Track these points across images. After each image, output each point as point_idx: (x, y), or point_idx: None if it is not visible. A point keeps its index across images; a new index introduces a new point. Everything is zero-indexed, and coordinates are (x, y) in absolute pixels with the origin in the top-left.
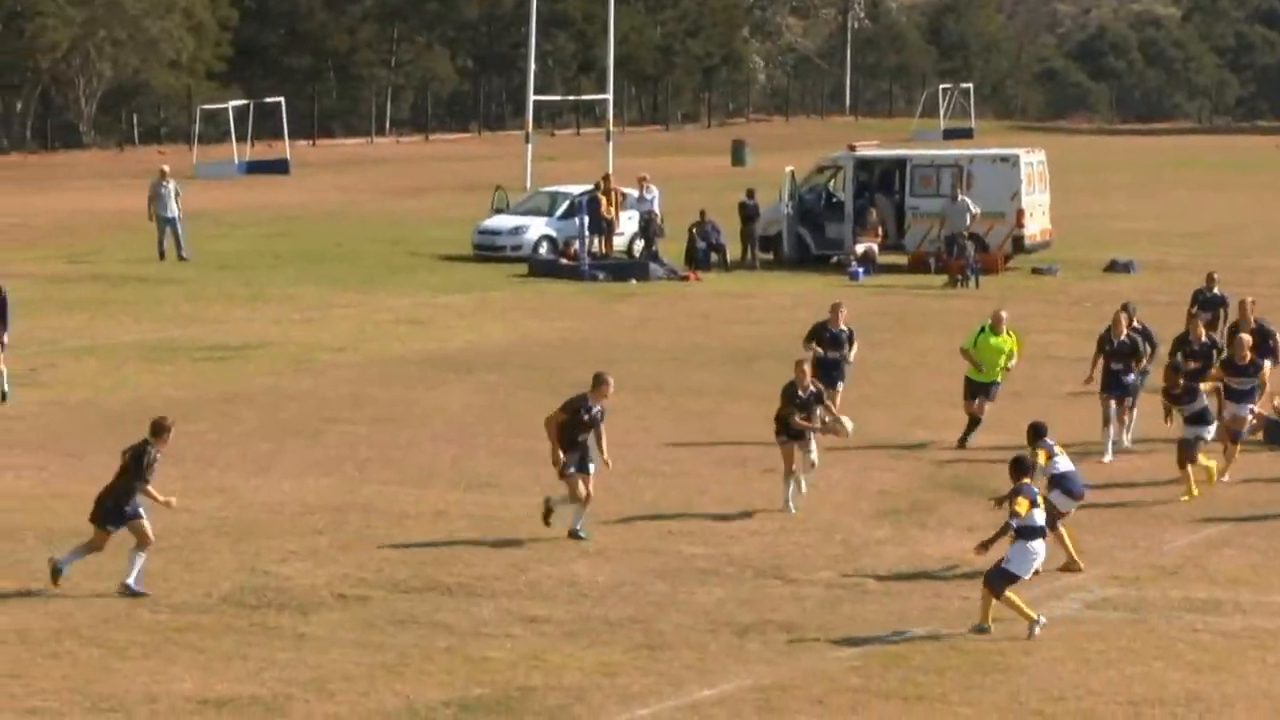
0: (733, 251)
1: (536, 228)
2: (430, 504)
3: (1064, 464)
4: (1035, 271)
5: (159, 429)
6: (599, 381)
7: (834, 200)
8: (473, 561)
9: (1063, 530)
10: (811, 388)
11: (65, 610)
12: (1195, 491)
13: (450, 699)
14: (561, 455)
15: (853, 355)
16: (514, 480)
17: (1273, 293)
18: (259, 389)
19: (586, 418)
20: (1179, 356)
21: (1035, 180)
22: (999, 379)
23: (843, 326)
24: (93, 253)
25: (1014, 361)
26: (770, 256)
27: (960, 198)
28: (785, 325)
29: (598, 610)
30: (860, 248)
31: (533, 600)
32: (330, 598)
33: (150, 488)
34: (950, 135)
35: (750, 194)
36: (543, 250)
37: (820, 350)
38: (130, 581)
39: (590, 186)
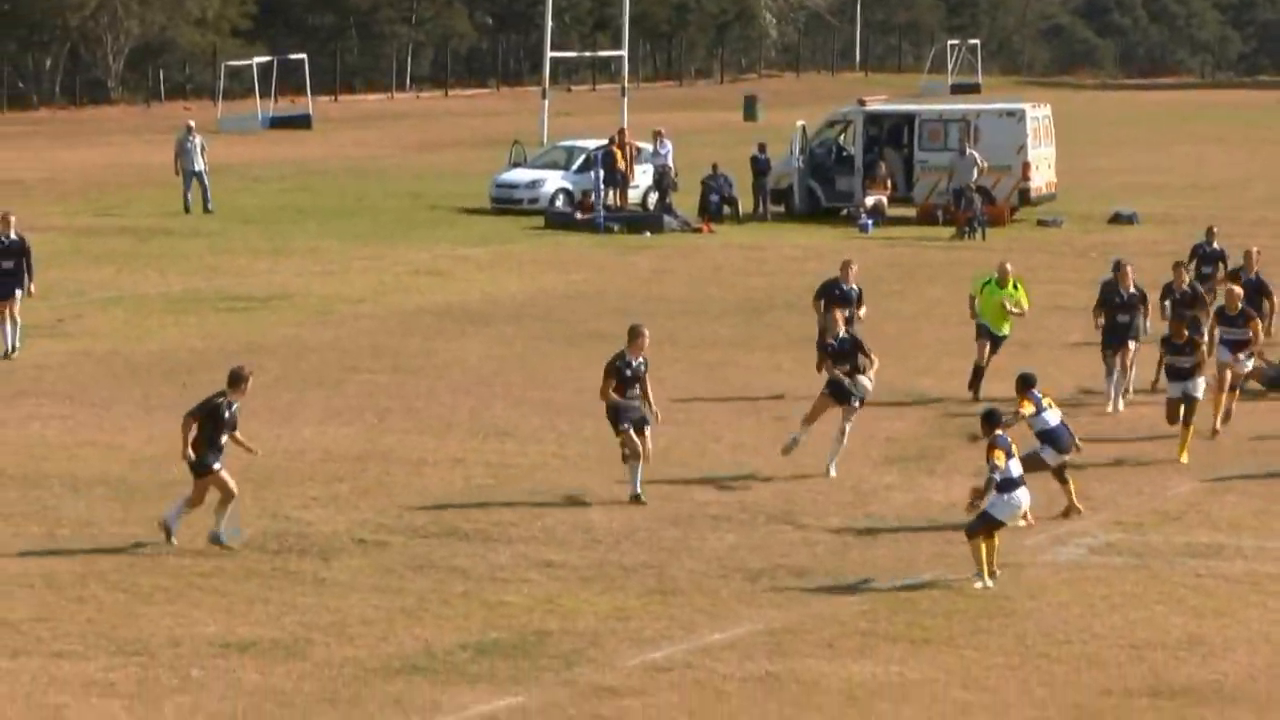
0: (745, 204)
1: (553, 181)
2: (448, 452)
3: (1053, 418)
4: (1040, 223)
5: (236, 379)
6: (634, 334)
7: (844, 154)
8: (489, 508)
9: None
10: (844, 334)
11: (91, 555)
12: (1184, 457)
13: (467, 642)
14: (617, 423)
15: (862, 313)
16: (530, 429)
17: (1275, 244)
18: (281, 340)
19: (629, 373)
20: (1168, 305)
21: (1041, 134)
22: (1005, 332)
23: (853, 284)
24: (120, 206)
25: (1022, 309)
26: (781, 209)
27: (968, 152)
28: (796, 277)
29: (612, 556)
30: (869, 200)
31: (548, 546)
32: (350, 543)
33: (238, 434)
34: (958, 90)
35: (762, 148)
36: (559, 203)
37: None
38: (220, 533)
39: (605, 141)
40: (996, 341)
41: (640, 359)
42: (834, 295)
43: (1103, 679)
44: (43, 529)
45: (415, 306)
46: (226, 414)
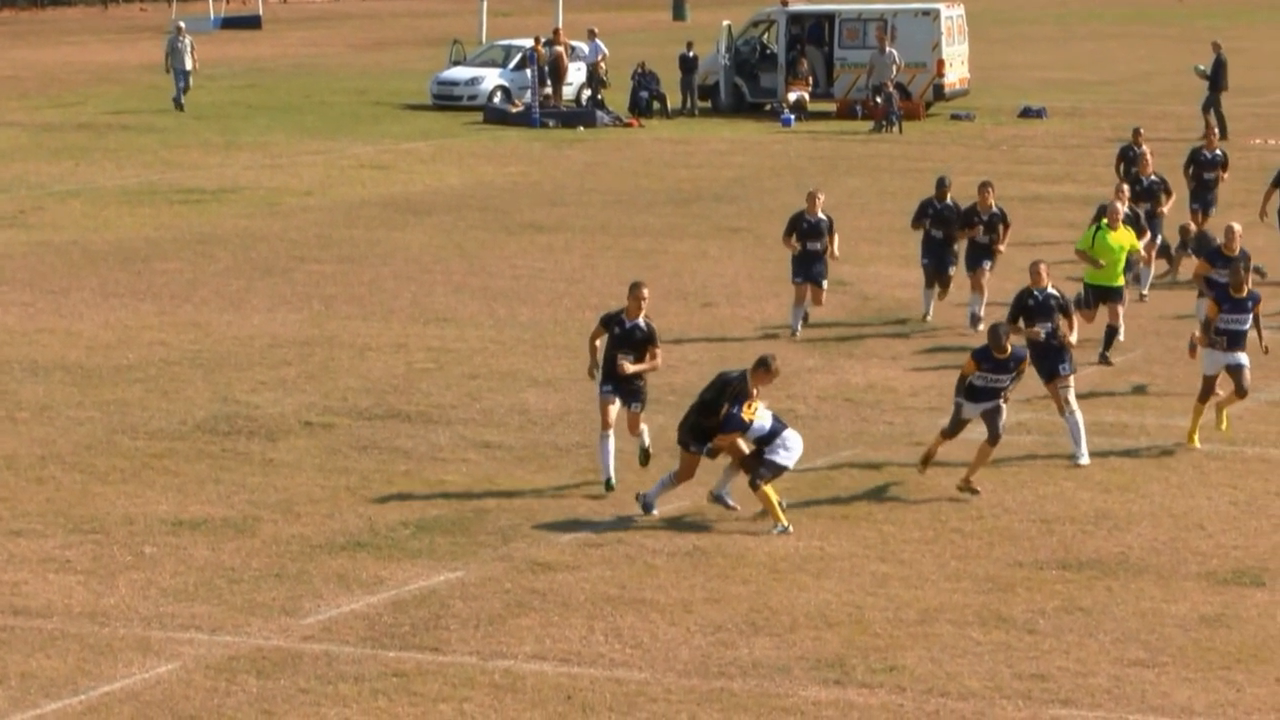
0: (673, 100)
1: (491, 79)
2: (391, 337)
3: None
4: (954, 118)
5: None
6: (632, 290)
7: (767, 52)
8: (430, 391)
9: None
10: (821, 215)
11: (49, 437)
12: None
13: (409, 519)
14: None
15: (835, 248)
16: (469, 315)
17: (1180, 138)
18: (232, 230)
19: (619, 331)
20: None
21: (954, 32)
22: (1121, 281)
23: (820, 215)
24: (79, 103)
25: (1139, 252)
26: (708, 104)
27: (886, 49)
28: (723, 169)
29: (547, 437)
30: (791, 96)
31: (486, 427)
32: (297, 425)
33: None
34: None
35: (690, 46)
36: (497, 100)
37: (797, 246)
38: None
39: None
40: (1116, 293)
41: (640, 320)
42: (803, 229)
43: (1014, 552)
44: (3, 412)
45: (360, 198)
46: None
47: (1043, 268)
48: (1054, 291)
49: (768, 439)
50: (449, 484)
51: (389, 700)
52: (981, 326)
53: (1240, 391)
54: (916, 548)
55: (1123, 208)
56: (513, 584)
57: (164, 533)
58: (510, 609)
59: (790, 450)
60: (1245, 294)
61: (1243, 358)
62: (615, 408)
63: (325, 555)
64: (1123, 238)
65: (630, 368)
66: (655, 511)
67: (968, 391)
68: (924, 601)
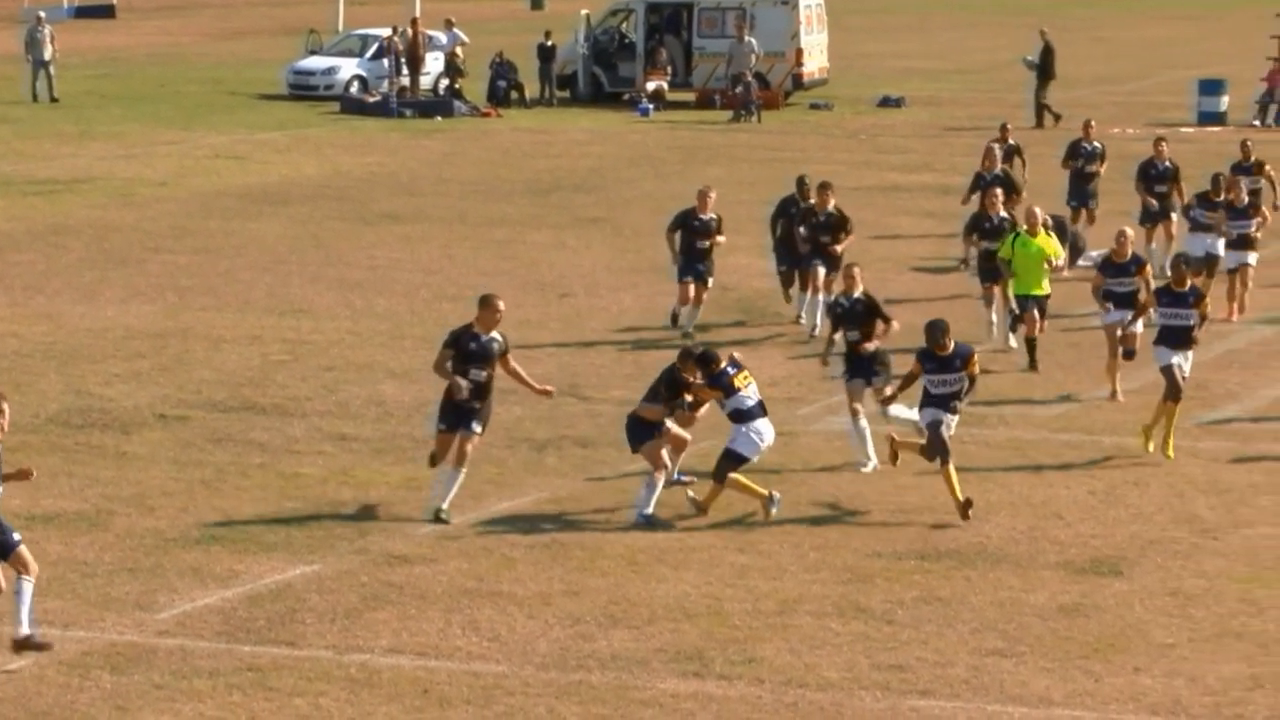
0: (531, 90)
1: (348, 68)
2: (246, 329)
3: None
4: (813, 107)
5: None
6: (484, 303)
7: (626, 41)
8: (286, 383)
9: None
10: (711, 214)
11: None
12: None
13: (264, 513)
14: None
15: (721, 240)
16: (325, 306)
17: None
18: (85, 221)
19: (474, 347)
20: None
21: (813, 21)
22: (1047, 289)
23: (711, 214)
24: None
25: (1060, 262)
26: (566, 94)
27: (745, 39)
28: (581, 159)
29: (403, 428)
30: (650, 85)
31: (342, 419)
32: (151, 418)
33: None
34: None
35: (548, 36)
36: (354, 89)
37: (677, 245)
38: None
39: (390, 30)
40: (1039, 302)
41: (493, 335)
42: (692, 227)
43: (872, 542)
44: None
45: (215, 189)
46: None
47: (856, 271)
48: (861, 296)
49: (743, 417)
50: (304, 477)
51: (244, 695)
52: (819, 332)
53: (1172, 390)
54: (775, 539)
55: (1041, 214)
56: (369, 577)
57: (17, 526)
58: (366, 602)
59: (755, 441)
60: (1187, 288)
61: (1179, 357)
62: (453, 440)
63: (179, 549)
64: (1044, 244)
65: (465, 391)
66: (650, 517)
67: (923, 399)
68: (783, 593)
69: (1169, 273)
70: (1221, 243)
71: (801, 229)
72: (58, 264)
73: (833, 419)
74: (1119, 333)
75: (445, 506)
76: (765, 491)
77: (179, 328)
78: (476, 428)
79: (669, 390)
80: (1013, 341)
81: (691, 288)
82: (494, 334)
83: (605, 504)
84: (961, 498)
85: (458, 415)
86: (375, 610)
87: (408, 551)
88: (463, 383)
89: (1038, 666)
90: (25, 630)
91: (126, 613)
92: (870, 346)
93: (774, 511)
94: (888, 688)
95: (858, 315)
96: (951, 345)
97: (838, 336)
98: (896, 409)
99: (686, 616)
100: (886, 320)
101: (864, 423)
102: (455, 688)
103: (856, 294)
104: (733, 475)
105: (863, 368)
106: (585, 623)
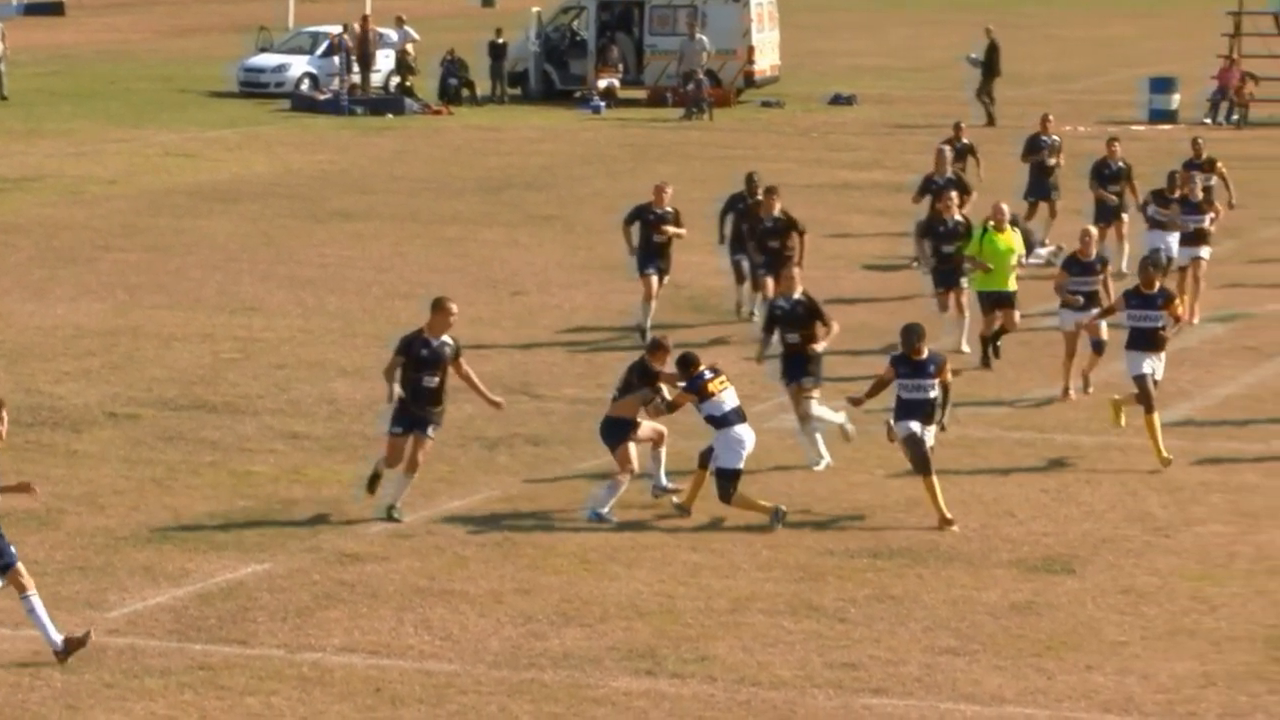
0: (482, 87)
1: (298, 66)
2: (197, 327)
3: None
4: (764, 104)
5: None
6: (437, 306)
7: (577, 38)
8: (237, 381)
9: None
10: (669, 208)
11: None
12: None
13: (215, 511)
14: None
15: (682, 232)
16: (276, 304)
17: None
18: (34, 220)
19: (425, 353)
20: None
21: (765, 19)
22: (1014, 286)
23: (668, 208)
24: None
25: (1023, 258)
26: (518, 92)
27: (697, 36)
28: (533, 157)
29: (355, 426)
30: (602, 83)
31: (294, 418)
32: (101, 416)
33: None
34: None
35: (499, 33)
36: (304, 87)
37: (634, 238)
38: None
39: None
40: (1009, 298)
41: (444, 339)
42: (648, 220)
43: (825, 540)
44: None
45: (166, 187)
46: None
47: (795, 273)
48: (801, 298)
49: (719, 423)
50: (256, 475)
51: (196, 694)
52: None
53: (1145, 400)
54: (728, 537)
55: (1008, 210)
56: (321, 576)
57: None
58: (318, 601)
59: (738, 450)
60: (1156, 290)
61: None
62: (406, 443)
63: (130, 548)
64: (1010, 240)
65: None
66: (613, 518)
67: (896, 407)
68: (735, 591)
69: (1127, 273)
70: (1175, 239)
71: (750, 240)
72: (6, 262)
73: (785, 417)
74: (1084, 322)
75: (398, 505)
76: (771, 506)
77: (129, 326)
78: (431, 432)
79: (641, 380)
80: (965, 346)
81: (654, 280)
82: (445, 338)
83: (557, 502)
84: (946, 514)
85: (413, 419)
86: (327, 609)
87: (359, 550)
88: (397, 389)
89: (990, 664)
90: (58, 638)
91: (77, 611)
92: (819, 348)
93: (778, 527)
94: (840, 686)
95: (798, 317)
96: (926, 350)
97: (774, 339)
98: (820, 409)
99: (639, 615)
100: (826, 322)
101: (815, 425)
102: (408, 686)
103: (796, 295)
104: (738, 494)
105: (797, 368)
106: (537, 621)
